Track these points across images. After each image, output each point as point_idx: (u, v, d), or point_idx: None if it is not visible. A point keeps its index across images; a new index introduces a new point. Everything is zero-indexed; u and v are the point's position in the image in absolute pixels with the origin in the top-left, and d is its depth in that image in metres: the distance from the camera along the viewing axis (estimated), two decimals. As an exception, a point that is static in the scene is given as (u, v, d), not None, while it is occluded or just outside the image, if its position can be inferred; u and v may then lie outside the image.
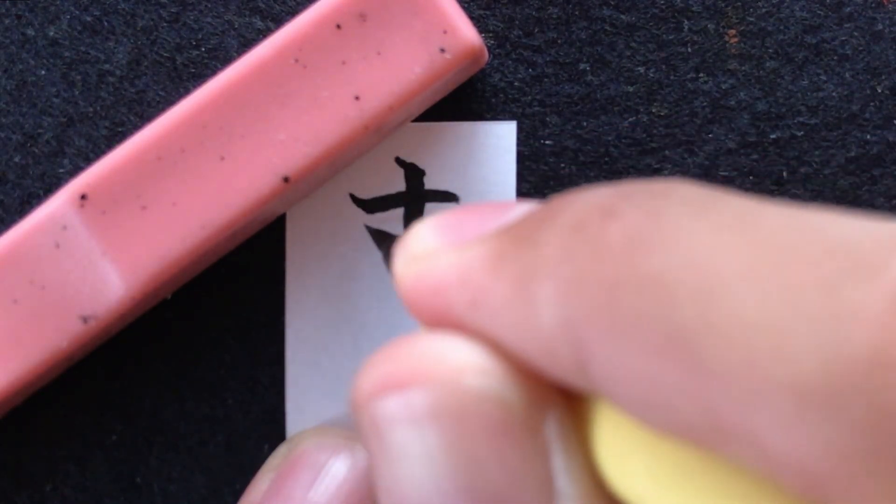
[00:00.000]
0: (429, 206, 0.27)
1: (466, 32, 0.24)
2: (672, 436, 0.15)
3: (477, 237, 0.17)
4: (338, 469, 0.25)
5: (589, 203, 0.16)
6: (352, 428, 0.27)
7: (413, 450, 0.17)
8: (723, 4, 0.26)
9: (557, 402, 0.17)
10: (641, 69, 0.27)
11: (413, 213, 0.27)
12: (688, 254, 0.14)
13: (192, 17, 0.27)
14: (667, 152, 0.27)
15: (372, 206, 0.27)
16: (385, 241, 0.25)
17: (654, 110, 0.27)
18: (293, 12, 0.26)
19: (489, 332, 0.17)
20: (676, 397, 0.14)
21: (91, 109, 0.27)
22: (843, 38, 0.26)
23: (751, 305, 0.14)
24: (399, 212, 0.27)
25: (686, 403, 0.14)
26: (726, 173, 0.26)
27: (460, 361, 0.17)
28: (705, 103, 0.26)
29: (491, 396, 0.16)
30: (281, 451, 0.26)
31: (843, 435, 0.13)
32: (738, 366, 0.13)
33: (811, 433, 0.13)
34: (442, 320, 0.17)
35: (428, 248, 0.18)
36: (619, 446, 0.16)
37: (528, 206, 0.18)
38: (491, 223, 0.18)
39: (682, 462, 0.15)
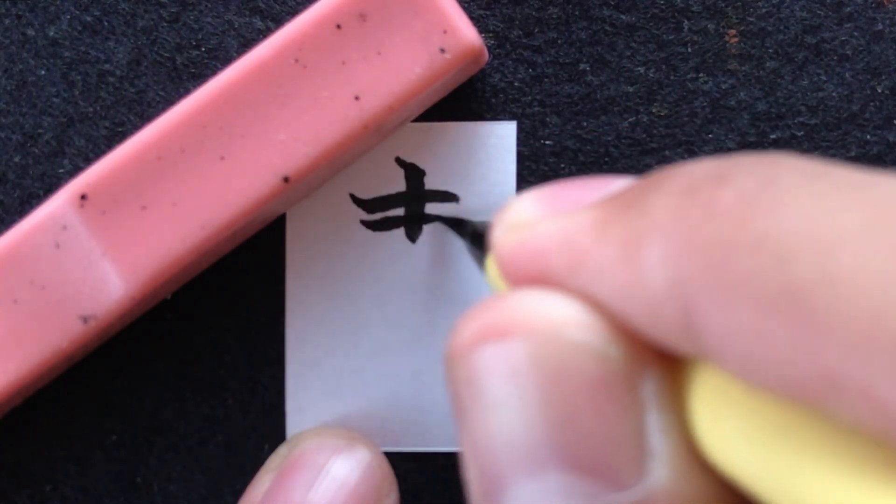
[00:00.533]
0: (429, 206, 0.27)
1: (466, 32, 0.24)
2: (779, 394, 0.15)
3: (581, 206, 0.17)
4: (338, 469, 0.25)
5: (700, 170, 0.16)
6: (352, 428, 0.27)
7: (509, 400, 0.17)
8: (723, 4, 0.26)
9: (657, 363, 0.17)
10: (641, 69, 0.27)
11: (413, 213, 0.27)
12: (804, 213, 0.14)
13: (192, 17, 0.27)
14: (667, 152, 0.27)
15: (372, 206, 0.27)
16: (464, 228, 0.25)
17: (654, 110, 0.27)
18: (293, 12, 0.26)
19: (591, 293, 0.17)
20: (791, 353, 0.14)
21: (91, 109, 0.27)
22: (843, 38, 0.26)
23: (870, 261, 0.14)
24: (399, 212, 0.27)
25: (801, 359, 0.14)
26: (726, 173, 0.26)
27: (562, 315, 0.17)
28: (705, 103, 0.26)
29: (591, 350, 0.16)
30: (281, 451, 0.26)
31: None
32: (856, 319, 0.13)
33: None
34: (542, 284, 0.17)
35: (529, 217, 0.18)
36: (715, 409, 0.16)
37: (626, 181, 0.18)
38: (594, 194, 0.18)
39: (780, 425, 0.15)
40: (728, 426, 0.16)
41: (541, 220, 0.18)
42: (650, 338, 0.16)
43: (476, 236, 0.24)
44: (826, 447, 0.15)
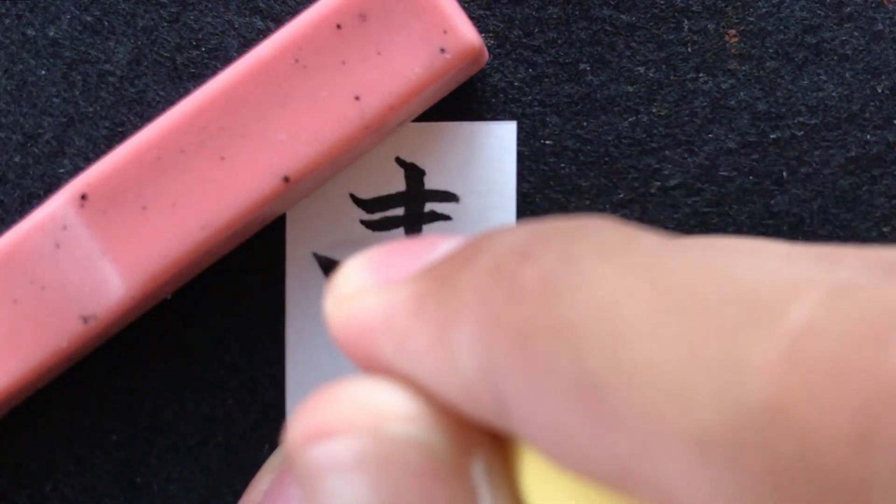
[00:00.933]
0: (429, 205, 0.27)
1: (466, 32, 0.24)
2: (587, 480, 0.15)
3: (403, 277, 0.18)
4: (337, 469, 0.25)
5: (506, 245, 0.16)
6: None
7: (343, 497, 0.17)
8: (723, 4, 0.26)
9: (484, 443, 0.17)
10: (641, 69, 0.27)
11: (413, 213, 0.27)
12: (595, 299, 0.14)
13: (192, 17, 0.27)
14: (667, 152, 0.27)
15: (372, 206, 0.27)
16: (333, 270, 0.25)
17: (654, 110, 0.27)
18: (293, 12, 0.26)
19: (414, 376, 0.17)
20: (587, 444, 0.14)
21: (91, 109, 0.27)
22: (843, 38, 0.26)
23: (654, 353, 0.13)
24: (399, 212, 0.27)
25: (596, 450, 0.14)
26: (726, 173, 0.26)
27: (385, 408, 0.17)
28: (705, 103, 0.26)
29: (415, 442, 0.17)
30: (281, 451, 0.26)
31: (742, 486, 0.13)
32: (642, 414, 0.13)
33: (714, 483, 0.13)
34: (371, 362, 0.18)
35: (356, 287, 0.18)
36: (543, 487, 0.16)
37: (454, 243, 0.18)
38: (418, 261, 0.18)
39: (602, 502, 0.15)
40: (555, 502, 0.16)
41: (367, 290, 0.18)
42: (472, 420, 0.16)
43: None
44: None
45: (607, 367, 0.14)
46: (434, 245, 0.18)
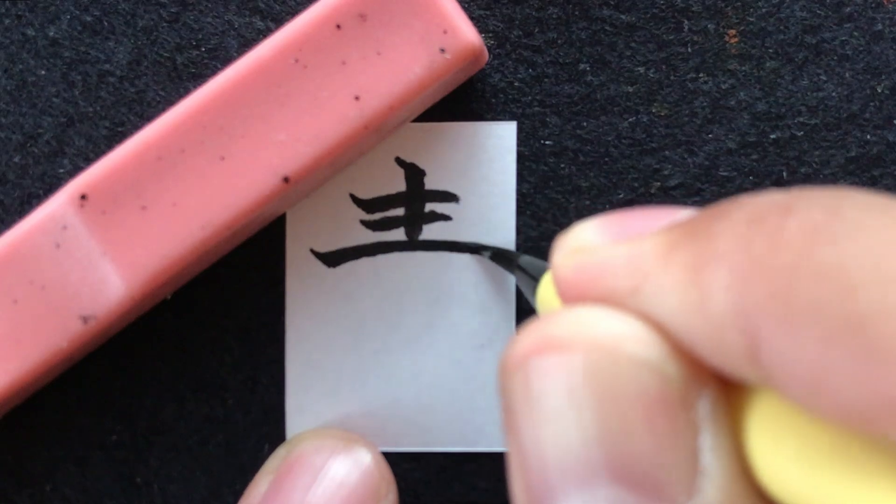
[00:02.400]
0: (429, 205, 0.27)
1: (466, 32, 0.24)
2: (837, 423, 0.15)
3: (645, 233, 0.18)
4: (336, 471, 0.25)
5: (766, 200, 0.16)
6: (351, 427, 0.27)
7: (564, 412, 0.17)
8: (723, 4, 0.26)
9: (712, 383, 0.17)
10: (641, 69, 0.27)
11: (413, 213, 0.27)
12: (869, 244, 0.14)
13: (192, 17, 0.27)
14: (667, 152, 0.27)
15: (372, 206, 0.27)
16: (511, 261, 0.25)
17: (654, 110, 0.27)
18: (293, 12, 0.26)
19: (652, 314, 0.17)
20: (853, 382, 0.14)
21: (91, 109, 0.27)
22: (843, 38, 0.26)
23: None
24: (399, 212, 0.27)
25: (864, 388, 0.14)
26: (726, 173, 0.26)
27: (621, 330, 0.17)
28: (705, 103, 0.26)
29: (649, 366, 0.17)
30: (279, 453, 0.26)
31: None
32: None
33: None
34: (602, 303, 0.18)
35: (590, 242, 0.18)
36: (772, 433, 0.16)
37: (695, 211, 0.18)
38: (658, 223, 0.18)
39: (839, 451, 0.15)
40: (785, 451, 0.16)
41: (604, 244, 0.18)
42: (710, 362, 0.16)
43: (527, 274, 0.24)
44: (884, 475, 0.15)
45: (880, 307, 0.14)
46: (671, 211, 0.18)
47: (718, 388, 0.17)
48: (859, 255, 0.14)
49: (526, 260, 0.24)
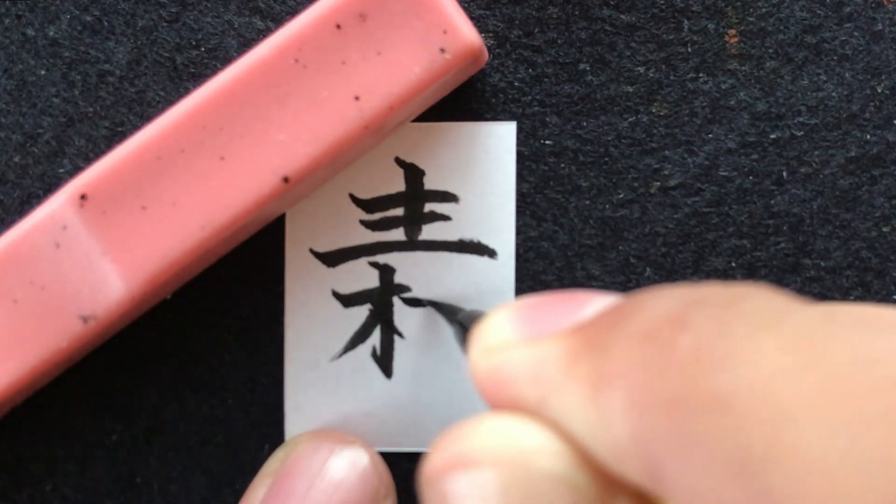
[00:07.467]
0: (428, 205, 0.27)
1: (466, 32, 0.24)
2: None
3: (551, 333, 0.18)
4: (335, 472, 0.25)
5: (661, 310, 0.16)
6: (351, 428, 0.27)
7: None
8: (723, 4, 0.26)
9: (625, 493, 0.17)
10: (641, 69, 0.27)
11: (413, 213, 0.27)
12: (752, 374, 0.14)
13: (192, 17, 0.27)
14: (667, 152, 0.27)
15: (372, 206, 0.27)
16: (454, 316, 0.25)
17: (654, 110, 0.27)
18: (293, 12, 0.26)
19: (560, 425, 0.17)
20: None
21: (91, 109, 0.27)
22: (843, 38, 0.26)
23: (813, 441, 0.13)
24: (399, 212, 0.27)
25: None
26: (726, 173, 0.26)
27: (531, 443, 0.17)
28: (705, 103, 0.26)
29: (561, 479, 0.17)
30: (278, 454, 0.26)
31: None
32: (797, 499, 0.13)
33: None
34: (515, 410, 0.18)
35: (503, 339, 0.19)
36: None
37: (604, 301, 0.18)
38: (566, 318, 0.18)
39: None
40: None
41: (514, 343, 0.18)
42: (618, 477, 0.16)
43: (463, 327, 0.24)
44: None
45: (769, 448, 0.14)
46: (583, 302, 0.19)
47: (633, 496, 0.17)
48: (743, 388, 0.14)
49: (464, 315, 0.25)
